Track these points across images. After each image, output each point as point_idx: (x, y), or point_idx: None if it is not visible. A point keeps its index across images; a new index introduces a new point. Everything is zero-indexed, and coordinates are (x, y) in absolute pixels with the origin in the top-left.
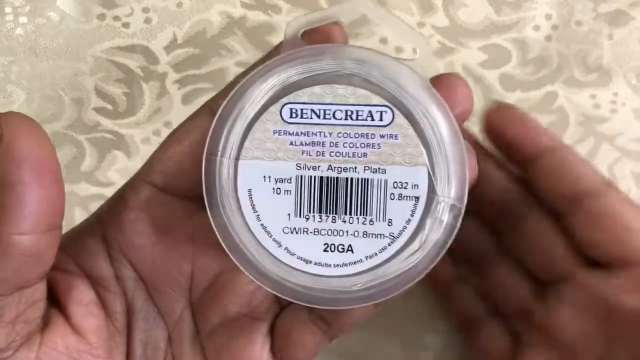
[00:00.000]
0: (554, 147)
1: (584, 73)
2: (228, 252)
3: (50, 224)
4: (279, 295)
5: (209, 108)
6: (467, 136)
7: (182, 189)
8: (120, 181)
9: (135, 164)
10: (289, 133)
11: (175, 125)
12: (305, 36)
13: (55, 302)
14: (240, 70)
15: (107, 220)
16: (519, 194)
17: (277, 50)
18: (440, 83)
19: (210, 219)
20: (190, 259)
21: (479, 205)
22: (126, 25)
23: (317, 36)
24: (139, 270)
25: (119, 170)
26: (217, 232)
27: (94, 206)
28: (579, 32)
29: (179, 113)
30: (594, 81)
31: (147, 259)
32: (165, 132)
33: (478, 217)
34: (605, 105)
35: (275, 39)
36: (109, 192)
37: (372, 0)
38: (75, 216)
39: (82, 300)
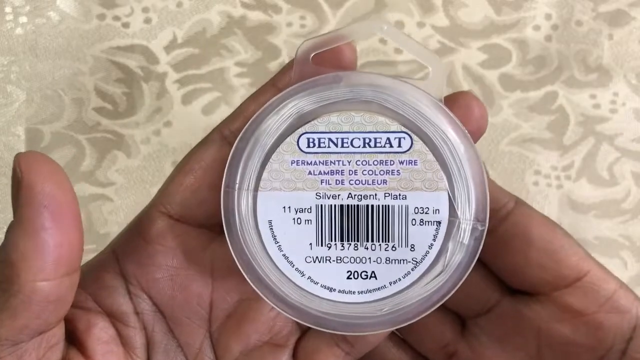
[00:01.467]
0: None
1: (584, 73)
2: (251, 284)
3: (71, 268)
4: (302, 322)
5: (221, 133)
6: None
7: (198, 218)
8: (120, 181)
9: (135, 164)
10: (307, 163)
11: (175, 125)
12: (316, 58)
13: (75, 341)
14: (239, 70)
15: (123, 254)
16: None
17: (286, 71)
18: (456, 102)
19: (231, 251)
20: (209, 289)
21: None
22: (126, 25)
23: (328, 58)
24: (157, 304)
25: (119, 170)
26: (238, 265)
27: (94, 206)
28: (579, 32)
29: (178, 113)
30: (594, 81)
31: (165, 291)
32: (165, 132)
33: None
34: (605, 105)
35: (275, 39)
36: (109, 192)
37: (385, 21)
38: None
39: (101, 337)
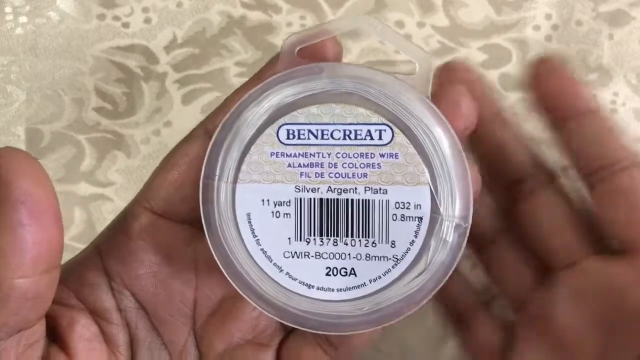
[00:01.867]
0: (591, 111)
1: (584, 73)
2: (229, 279)
3: (50, 265)
4: (281, 321)
5: (205, 128)
6: (467, 146)
7: (182, 214)
8: (120, 181)
9: (135, 164)
10: (287, 155)
11: (175, 125)
12: (301, 52)
13: (57, 338)
14: (239, 70)
15: (106, 250)
16: (535, 168)
17: (271, 65)
18: (444, 98)
19: (210, 244)
20: (193, 286)
21: (491, 177)
22: (126, 25)
23: (312, 52)
24: (140, 301)
25: (119, 170)
26: (216, 258)
27: (94, 206)
28: (579, 32)
29: (178, 113)
30: (594, 81)
31: (148, 288)
32: (165, 132)
33: (489, 190)
34: (605, 105)
35: (275, 39)
36: (109, 192)
37: (371, 16)
38: (75, 216)
39: (83, 335)
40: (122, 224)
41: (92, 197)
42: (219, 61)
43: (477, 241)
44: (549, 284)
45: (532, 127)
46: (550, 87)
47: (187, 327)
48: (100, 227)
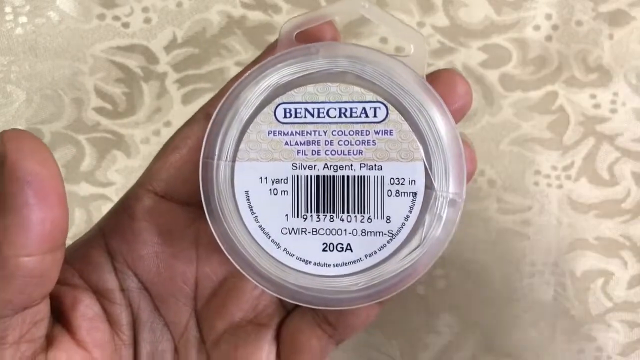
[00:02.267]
0: None
1: (584, 73)
2: (228, 255)
3: (55, 245)
4: (278, 296)
5: (206, 112)
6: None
7: (183, 196)
8: (120, 181)
9: (135, 164)
10: (284, 133)
11: (175, 124)
12: (298, 36)
13: (60, 317)
14: (239, 70)
15: (110, 231)
16: None
17: (270, 50)
18: (439, 78)
19: (209, 222)
20: (194, 266)
21: None
22: (126, 25)
23: (309, 36)
24: (143, 281)
25: (119, 170)
26: (216, 236)
27: (94, 206)
28: (579, 32)
29: (178, 113)
30: (594, 81)
31: (151, 268)
32: (165, 132)
33: None
34: (605, 105)
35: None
36: (109, 192)
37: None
38: (75, 216)
39: (87, 314)
40: (125, 206)
41: (92, 197)
42: (219, 61)
43: None
44: None
45: (533, 127)
46: None
47: (189, 307)
48: None
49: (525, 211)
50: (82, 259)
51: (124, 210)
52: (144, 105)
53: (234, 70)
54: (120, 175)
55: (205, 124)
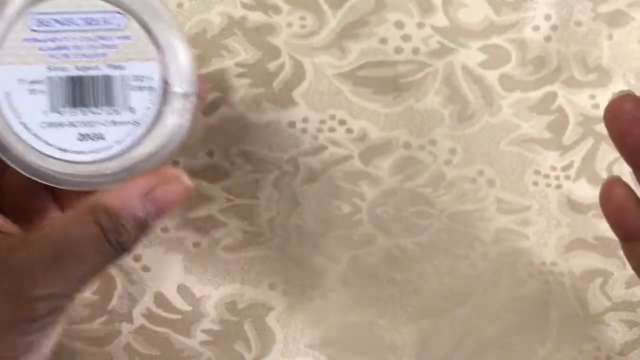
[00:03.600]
0: None
1: (583, 73)
2: None
3: None
4: (37, 180)
5: None
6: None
7: None
8: None
9: None
10: (37, 40)
11: None
12: None
13: None
14: (240, 70)
15: None
16: None
17: None
18: None
19: None
20: None
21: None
22: None
23: None
24: None
25: None
26: None
27: None
28: (578, 33)
29: None
30: (594, 81)
31: None
32: None
33: None
34: (605, 105)
35: (276, 40)
36: None
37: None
38: None
39: None
40: None
41: None
42: (219, 62)
43: (624, 236)
44: None
45: (532, 127)
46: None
47: None
48: None
49: (525, 211)
50: None
51: None
52: None
53: (234, 71)
54: None
55: None
